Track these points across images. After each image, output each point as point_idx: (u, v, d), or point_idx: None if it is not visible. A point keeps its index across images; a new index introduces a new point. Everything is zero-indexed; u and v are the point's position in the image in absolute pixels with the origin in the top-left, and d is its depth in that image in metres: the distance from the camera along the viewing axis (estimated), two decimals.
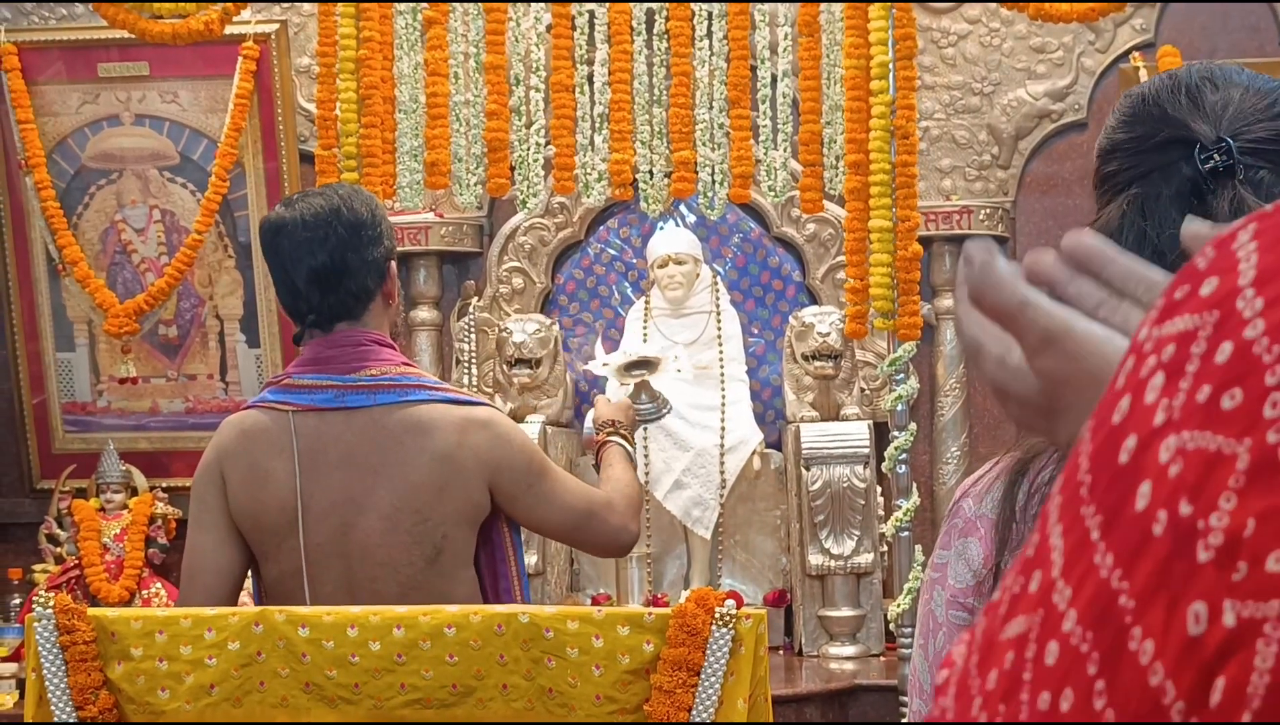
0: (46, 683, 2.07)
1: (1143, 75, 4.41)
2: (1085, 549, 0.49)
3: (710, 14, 4.17)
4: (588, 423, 2.70)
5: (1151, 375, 0.49)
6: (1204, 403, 0.47)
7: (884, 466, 3.99)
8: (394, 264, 2.35)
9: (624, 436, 2.59)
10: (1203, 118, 1.21)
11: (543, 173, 4.26)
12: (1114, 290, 0.67)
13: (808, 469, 4.31)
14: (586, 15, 4.22)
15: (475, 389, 4.72)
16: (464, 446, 2.23)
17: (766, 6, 4.30)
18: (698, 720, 1.94)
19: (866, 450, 4.32)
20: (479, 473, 2.23)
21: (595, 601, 4.46)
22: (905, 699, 3.69)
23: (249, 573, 2.35)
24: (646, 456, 4.58)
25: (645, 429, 4.60)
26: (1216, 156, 1.18)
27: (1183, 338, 0.49)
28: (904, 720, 3.65)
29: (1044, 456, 1.22)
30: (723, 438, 4.54)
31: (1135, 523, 0.47)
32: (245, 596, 2.75)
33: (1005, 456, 1.29)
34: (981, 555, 1.29)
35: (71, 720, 2.07)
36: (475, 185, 4.16)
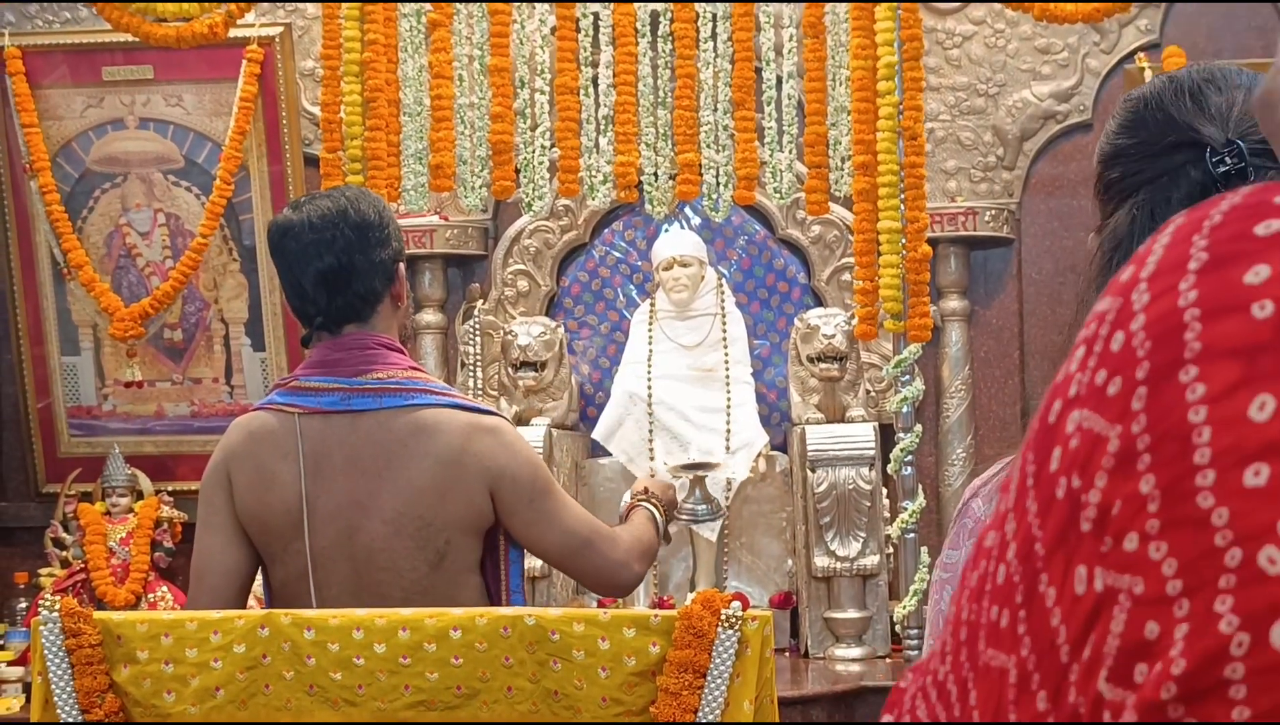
0: (52, 686, 2.07)
1: (1148, 76, 4.40)
2: (1023, 492, 0.56)
3: (715, 16, 4.17)
4: (625, 496, 2.65)
5: (1078, 346, 0.56)
6: (1099, 386, 0.53)
7: (889, 468, 3.98)
8: (403, 266, 2.34)
9: (655, 505, 2.54)
10: (1209, 120, 1.20)
11: (547, 175, 4.25)
12: None
13: (813, 471, 4.30)
14: (591, 17, 4.22)
15: (480, 392, 4.72)
16: (468, 452, 2.22)
17: (771, 8, 4.29)
18: (704, 722, 1.94)
19: (872, 452, 4.31)
20: (481, 478, 2.22)
21: (601, 604, 4.45)
22: None
23: (260, 574, 2.35)
24: (652, 459, 4.57)
25: (651, 430, 4.60)
26: (1228, 160, 1.17)
27: (1099, 318, 0.55)
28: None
29: None
30: (728, 440, 4.54)
31: (1049, 482, 0.55)
32: (253, 600, 2.75)
33: (1014, 456, 1.29)
34: None
35: (78, 723, 2.07)
36: (480, 188, 4.16)
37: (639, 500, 2.54)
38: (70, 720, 2.07)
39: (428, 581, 2.21)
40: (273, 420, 2.27)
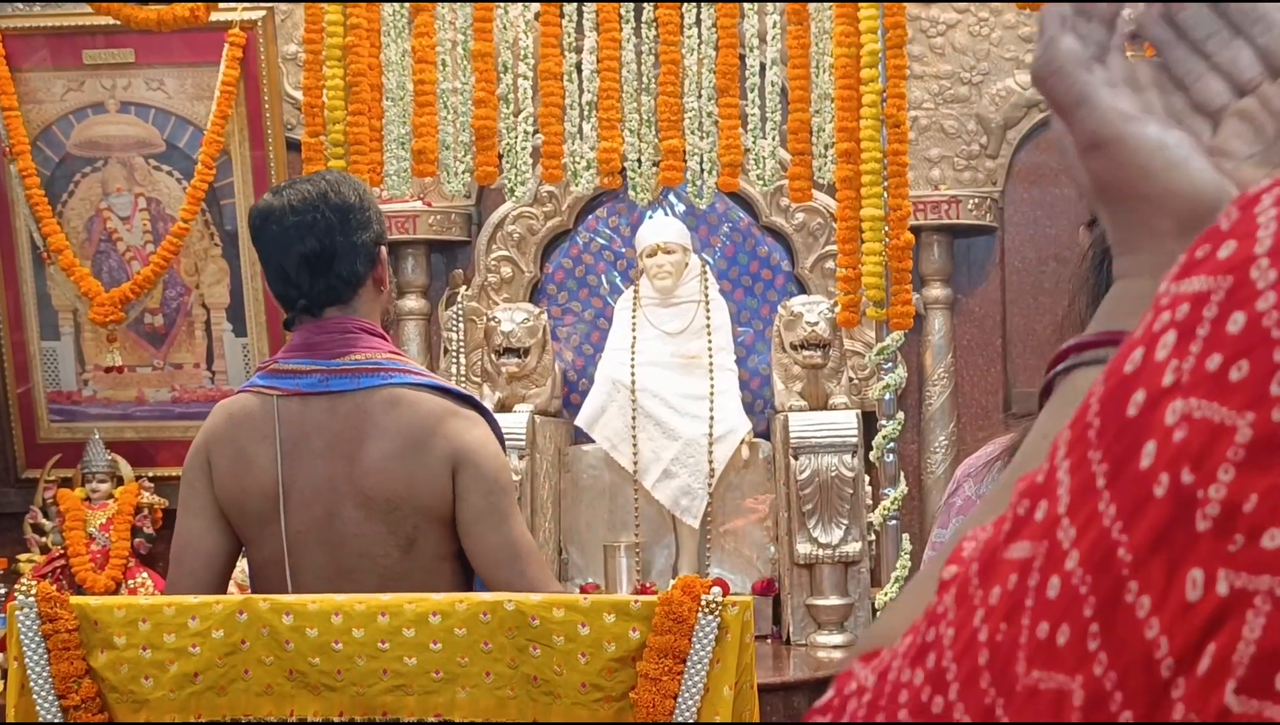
0: (28, 671, 2.06)
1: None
2: (1090, 494, 0.50)
3: (699, 2, 4.16)
4: None
5: (1164, 331, 0.50)
6: (1214, 372, 0.47)
7: (872, 456, 3.99)
8: (385, 250, 2.33)
9: None
10: None
11: (531, 161, 4.24)
12: (1230, 23, 0.67)
13: (796, 458, 4.30)
14: (575, 3, 4.20)
15: (464, 378, 4.71)
16: (437, 434, 2.20)
17: None
18: (683, 707, 1.94)
19: (855, 439, 4.31)
20: (446, 460, 2.19)
21: (584, 590, 4.45)
22: None
23: (245, 558, 2.34)
24: (635, 446, 4.57)
25: (634, 417, 4.59)
26: None
27: (1197, 299, 0.49)
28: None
29: None
30: (711, 427, 4.54)
31: (1139, 480, 0.48)
32: (234, 587, 2.74)
33: (1006, 437, 1.29)
34: None
35: (54, 709, 2.05)
36: (463, 173, 4.14)
37: None
38: (46, 706, 2.06)
39: (400, 567, 2.20)
40: (253, 403, 2.26)
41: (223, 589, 2.30)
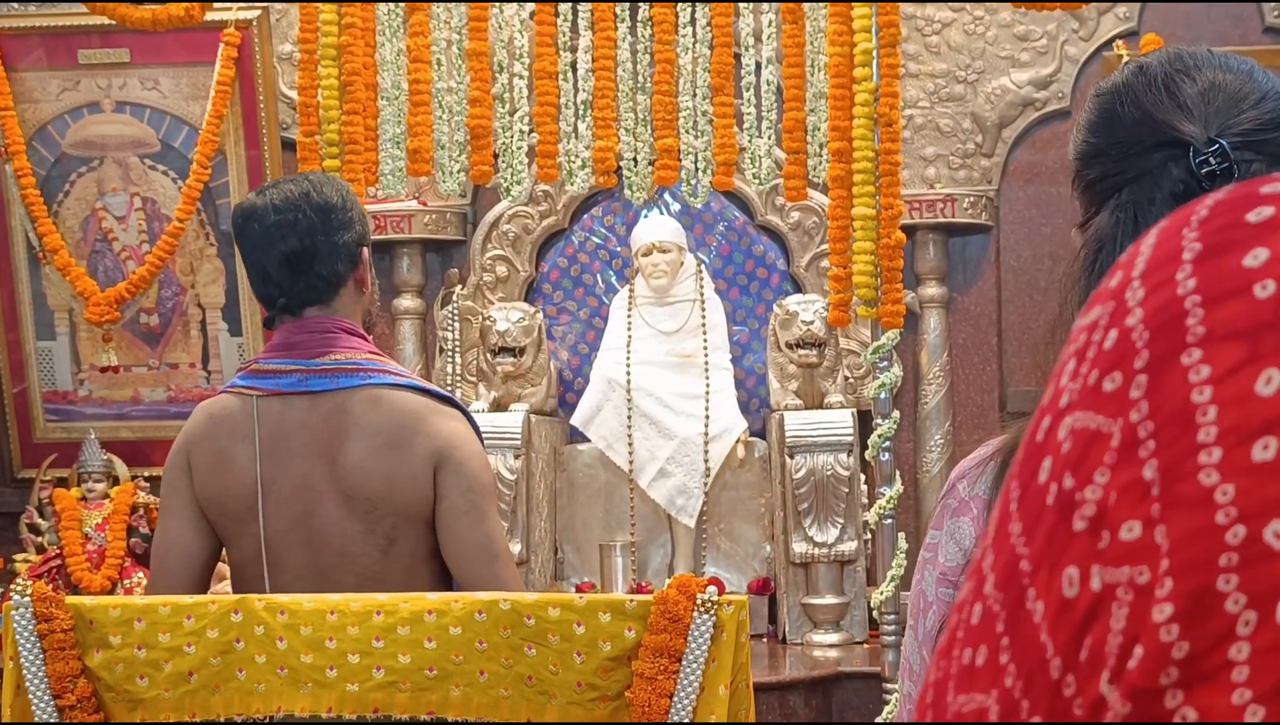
0: (24, 671, 2.06)
1: (1123, 64, 4.41)
2: (1005, 519, 0.53)
3: (694, 1, 4.16)
4: None
5: (1067, 361, 0.53)
6: (1093, 386, 0.51)
7: (867, 454, 3.99)
8: (367, 251, 2.33)
9: None
10: (1187, 116, 1.17)
11: (526, 160, 4.24)
12: None
13: (792, 457, 4.30)
14: (570, 2, 4.20)
15: (459, 378, 4.71)
16: (417, 433, 2.20)
17: None
18: (679, 707, 1.94)
19: (850, 438, 4.32)
20: (428, 459, 2.19)
21: (579, 590, 4.45)
22: (889, 685, 3.69)
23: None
24: (631, 445, 4.57)
25: (630, 416, 4.59)
26: (1213, 161, 1.15)
27: (1090, 327, 0.53)
28: (890, 703, 3.65)
29: None
30: (707, 426, 4.54)
31: (1037, 494, 0.51)
32: (225, 585, 2.74)
33: (1000, 438, 1.29)
34: (973, 535, 1.29)
35: (49, 709, 2.06)
36: (458, 173, 4.14)
37: None
38: (42, 706, 2.06)
39: (379, 567, 2.19)
40: (233, 403, 2.26)
41: (203, 589, 2.30)
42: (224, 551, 2.34)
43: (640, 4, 4.21)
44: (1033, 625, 0.50)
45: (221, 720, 2.03)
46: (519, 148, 4.18)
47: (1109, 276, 0.53)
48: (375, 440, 2.20)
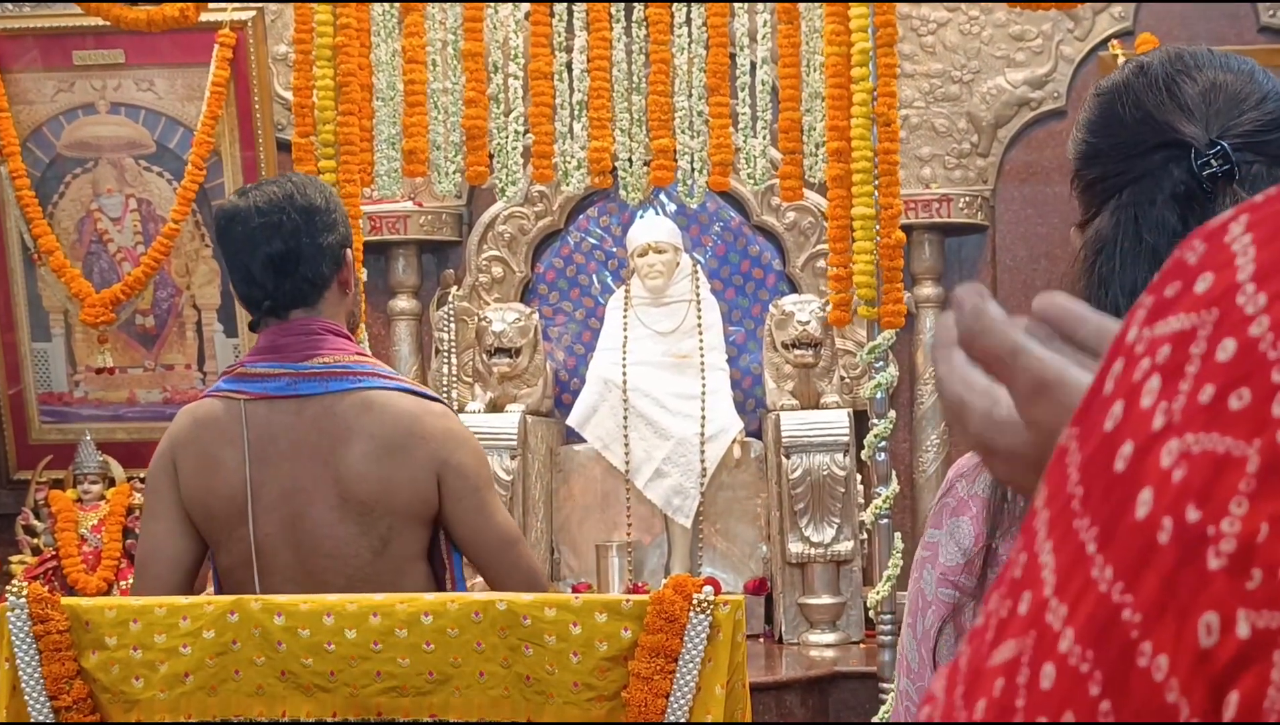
0: (20, 673, 2.06)
1: (1121, 63, 4.42)
2: (1081, 564, 0.45)
3: (689, 1, 4.16)
4: None
5: (1146, 378, 0.46)
6: (1208, 403, 0.44)
7: (864, 454, 3.99)
8: (350, 253, 2.33)
9: None
10: (1188, 117, 1.17)
11: (522, 161, 4.24)
12: (1089, 351, 0.64)
13: (788, 457, 4.30)
14: (565, 2, 4.20)
15: (455, 379, 4.71)
16: (415, 436, 2.20)
17: None
18: (675, 706, 1.94)
19: (846, 438, 4.32)
20: (429, 464, 2.20)
21: (576, 590, 4.45)
22: (886, 685, 3.69)
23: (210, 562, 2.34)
24: (627, 446, 4.57)
25: (626, 417, 4.59)
26: (1214, 162, 1.14)
27: (1179, 338, 0.46)
28: (886, 703, 3.65)
29: None
30: (703, 426, 4.54)
31: (1137, 532, 0.44)
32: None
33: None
34: (972, 534, 1.28)
35: (45, 710, 2.05)
36: (454, 173, 4.14)
37: None
38: (38, 707, 2.05)
39: (371, 569, 2.19)
40: (219, 407, 2.26)
41: (189, 592, 2.30)
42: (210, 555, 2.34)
43: (635, 4, 4.21)
44: (1152, 685, 0.42)
45: (218, 721, 2.03)
46: (514, 148, 4.18)
47: (1181, 280, 0.47)
48: (373, 444, 2.20)
